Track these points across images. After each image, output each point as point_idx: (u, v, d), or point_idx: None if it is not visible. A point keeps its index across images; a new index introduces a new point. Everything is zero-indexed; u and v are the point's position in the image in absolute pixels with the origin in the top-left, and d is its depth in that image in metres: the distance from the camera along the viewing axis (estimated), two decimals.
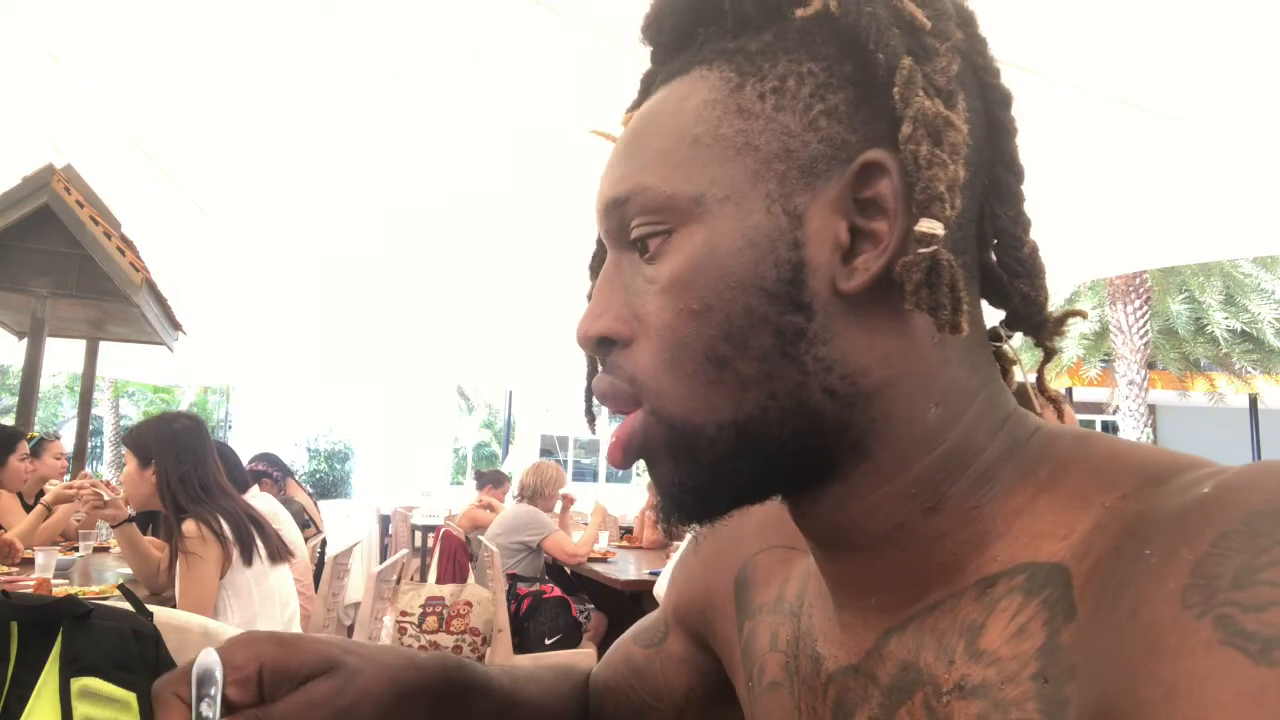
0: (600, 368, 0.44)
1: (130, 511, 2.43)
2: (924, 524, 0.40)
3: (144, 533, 2.65)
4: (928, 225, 0.36)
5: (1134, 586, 0.31)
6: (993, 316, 0.47)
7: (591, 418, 0.49)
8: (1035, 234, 0.45)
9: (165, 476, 2.19)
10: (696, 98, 0.41)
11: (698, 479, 0.41)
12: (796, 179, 0.39)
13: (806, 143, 0.39)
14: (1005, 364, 0.46)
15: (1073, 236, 3.50)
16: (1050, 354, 0.45)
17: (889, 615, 0.41)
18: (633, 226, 0.42)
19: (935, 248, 0.36)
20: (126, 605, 1.37)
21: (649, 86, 0.45)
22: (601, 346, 0.43)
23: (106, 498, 2.48)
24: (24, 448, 3.36)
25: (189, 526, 2.11)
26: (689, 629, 0.64)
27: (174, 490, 2.18)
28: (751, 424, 0.39)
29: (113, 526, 2.47)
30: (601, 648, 3.79)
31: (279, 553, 2.30)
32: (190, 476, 2.20)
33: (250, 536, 2.21)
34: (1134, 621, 0.30)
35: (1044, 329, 0.45)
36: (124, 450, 2.36)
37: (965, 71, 0.41)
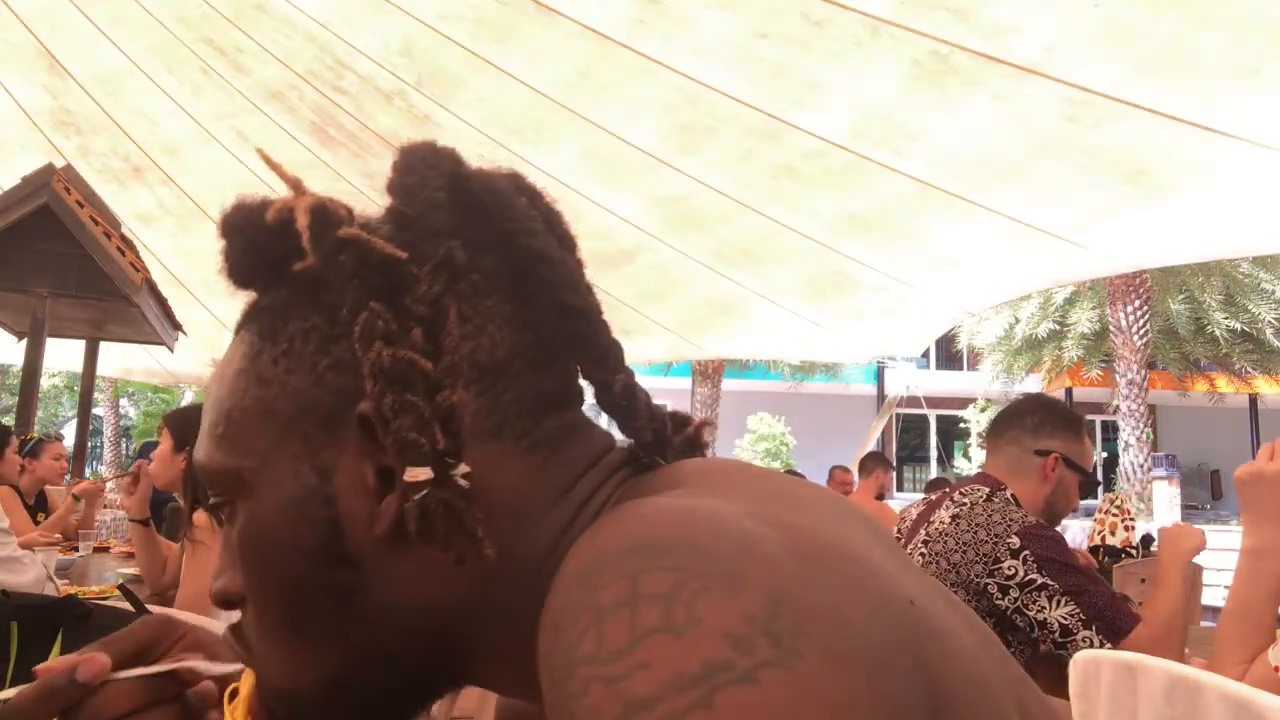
0: None
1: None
2: None
3: None
4: (411, 474, 0.35)
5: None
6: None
7: None
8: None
9: (194, 467, 2.22)
10: (232, 367, 0.41)
11: None
12: (319, 435, 0.38)
13: (318, 400, 0.38)
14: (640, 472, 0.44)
15: (1073, 236, 3.49)
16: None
17: None
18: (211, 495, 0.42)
19: (424, 493, 0.35)
20: (126, 605, 1.37)
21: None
22: (226, 603, 0.42)
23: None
24: (14, 442, 3.39)
25: (200, 517, 2.15)
26: None
27: (198, 482, 2.21)
28: (340, 680, 0.39)
29: (131, 520, 2.51)
30: None
31: None
32: None
33: None
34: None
35: (666, 451, 0.45)
36: (162, 428, 2.41)
37: (484, 258, 0.40)
